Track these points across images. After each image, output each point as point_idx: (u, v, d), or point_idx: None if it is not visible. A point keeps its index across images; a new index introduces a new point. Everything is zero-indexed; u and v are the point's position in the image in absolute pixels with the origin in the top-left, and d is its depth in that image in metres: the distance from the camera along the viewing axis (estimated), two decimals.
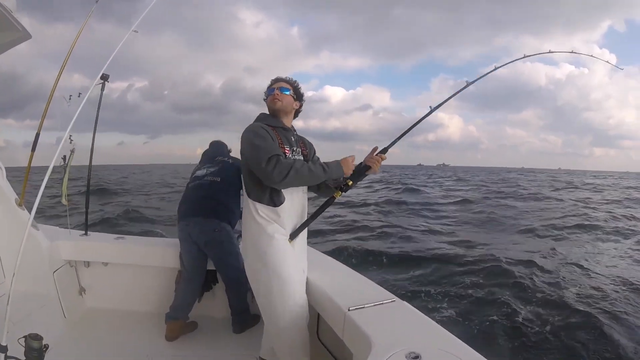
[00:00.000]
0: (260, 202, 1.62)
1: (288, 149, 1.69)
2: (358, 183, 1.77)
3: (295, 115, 1.86)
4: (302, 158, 1.77)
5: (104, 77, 2.32)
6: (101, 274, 2.62)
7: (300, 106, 1.85)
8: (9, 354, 1.23)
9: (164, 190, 19.30)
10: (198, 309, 2.47)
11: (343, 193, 1.74)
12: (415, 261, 6.36)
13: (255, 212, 1.63)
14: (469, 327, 3.91)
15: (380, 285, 1.77)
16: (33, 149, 2.14)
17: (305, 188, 1.76)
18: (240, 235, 2.54)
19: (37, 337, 1.25)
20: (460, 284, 5.19)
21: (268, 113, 1.79)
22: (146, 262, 2.60)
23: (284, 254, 1.62)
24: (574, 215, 11.68)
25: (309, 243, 1.86)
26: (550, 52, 2.45)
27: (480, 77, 2.06)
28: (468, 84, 1.99)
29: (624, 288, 4.95)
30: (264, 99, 1.81)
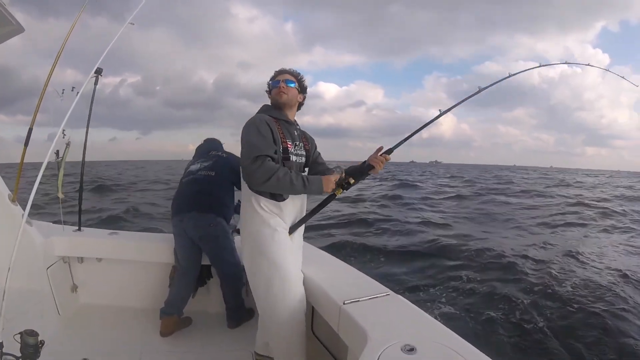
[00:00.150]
0: (263, 195, 1.61)
1: (290, 143, 1.66)
2: (360, 181, 1.75)
3: (298, 108, 1.82)
4: (304, 153, 1.75)
5: (98, 71, 2.27)
6: (95, 269, 2.60)
7: (304, 99, 1.82)
8: (4, 350, 1.23)
9: (161, 186, 19.16)
10: (192, 304, 2.46)
11: (344, 191, 1.72)
12: (411, 255, 6.39)
13: (257, 204, 1.62)
14: (465, 321, 3.93)
15: (375, 280, 1.78)
16: (26, 144, 2.11)
17: None
18: (234, 231, 2.54)
19: (33, 333, 1.25)
20: (457, 278, 5.21)
21: (270, 104, 1.75)
22: (140, 258, 2.58)
23: (285, 247, 1.62)
24: (564, 214, 11.81)
25: (303, 237, 1.87)
26: (566, 63, 2.46)
27: (494, 83, 2.03)
28: (480, 90, 1.96)
29: (619, 280, 5.05)
30: (267, 91, 1.77)
